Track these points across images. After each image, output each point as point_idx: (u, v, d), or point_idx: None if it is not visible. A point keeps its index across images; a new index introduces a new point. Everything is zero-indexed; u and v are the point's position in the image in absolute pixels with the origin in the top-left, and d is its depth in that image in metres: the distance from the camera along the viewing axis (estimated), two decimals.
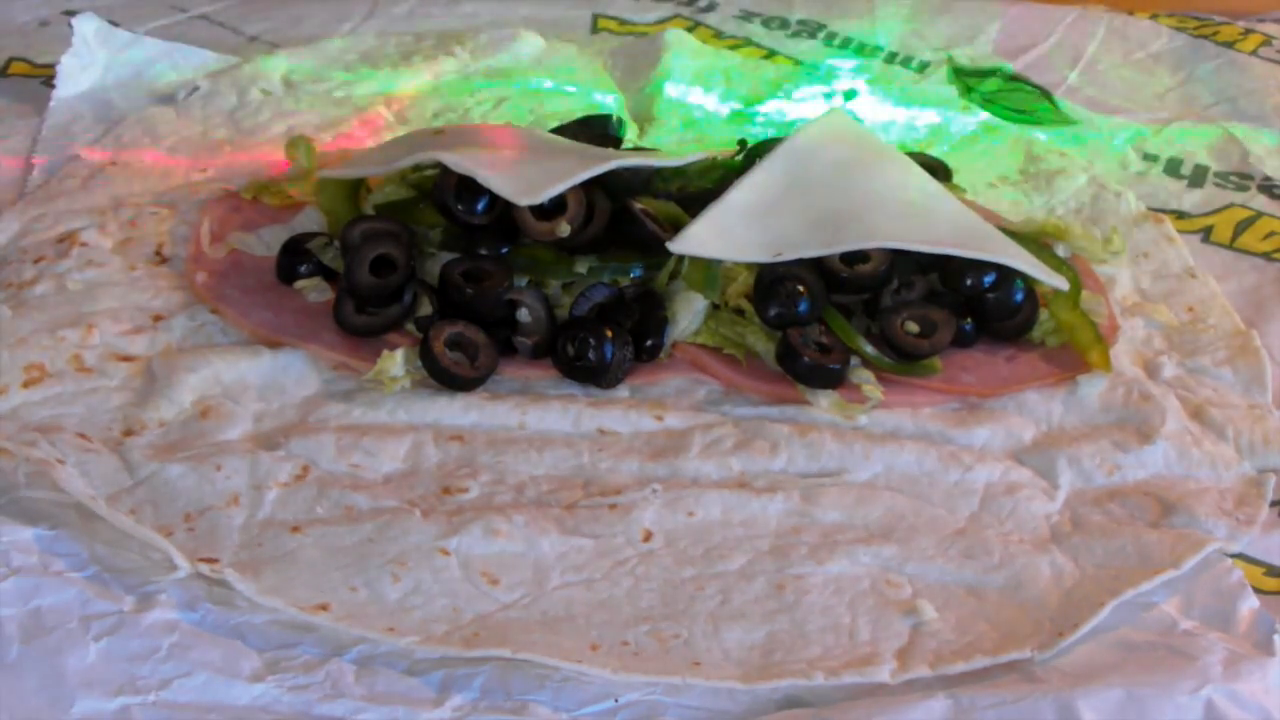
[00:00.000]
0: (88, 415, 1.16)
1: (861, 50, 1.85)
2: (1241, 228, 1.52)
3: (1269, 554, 1.11)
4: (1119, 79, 1.80)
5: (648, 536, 1.09)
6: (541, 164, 1.29)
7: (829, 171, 1.31)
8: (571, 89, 1.70)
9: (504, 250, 1.26)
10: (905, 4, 1.94)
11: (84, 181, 1.45)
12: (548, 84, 1.71)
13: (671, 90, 1.68)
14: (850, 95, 1.72)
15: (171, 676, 0.96)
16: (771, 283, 1.23)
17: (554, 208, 1.26)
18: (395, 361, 1.20)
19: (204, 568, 1.02)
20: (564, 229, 1.25)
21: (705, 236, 1.24)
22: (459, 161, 1.26)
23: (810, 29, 1.89)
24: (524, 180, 1.25)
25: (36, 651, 0.96)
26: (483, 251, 1.26)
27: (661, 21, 1.89)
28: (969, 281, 1.25)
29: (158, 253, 1.35)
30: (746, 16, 1.92)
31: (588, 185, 1.26)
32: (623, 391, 1.23)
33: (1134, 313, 1.34)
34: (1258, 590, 1.07)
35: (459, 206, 1.27)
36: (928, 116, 1.67)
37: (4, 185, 1.48)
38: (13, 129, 1.57)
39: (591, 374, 1.22)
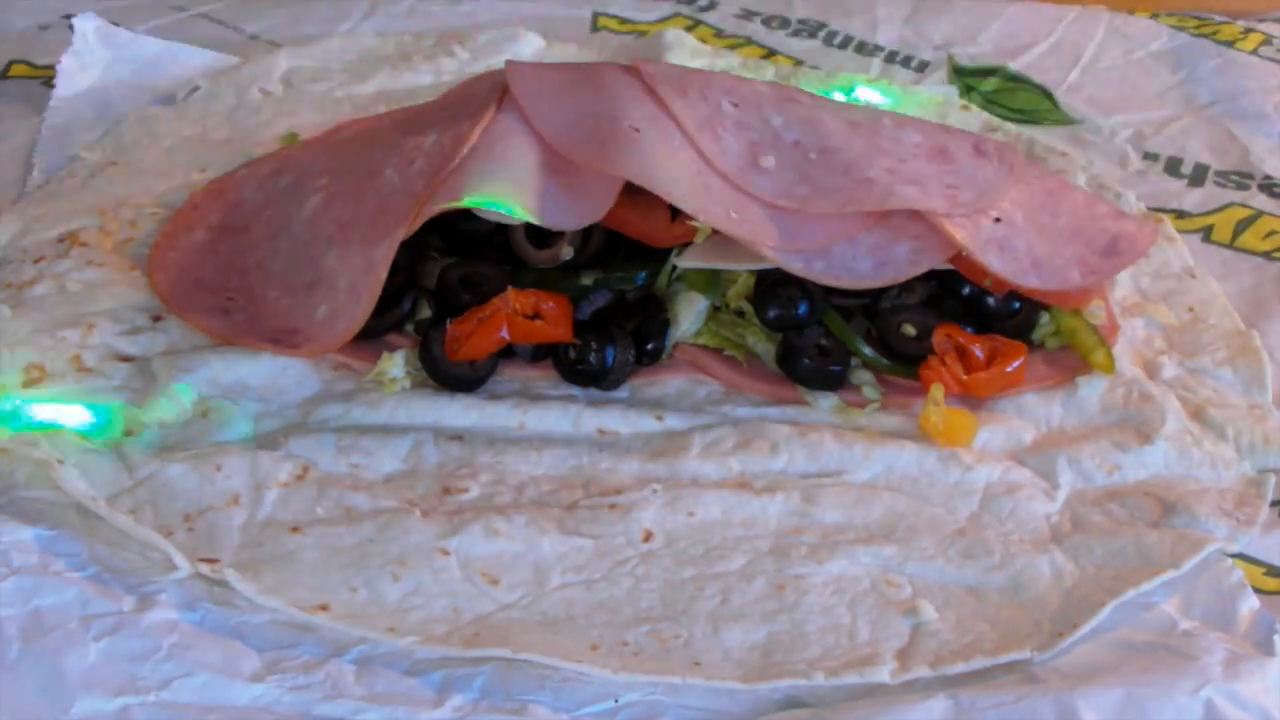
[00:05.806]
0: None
1: (861, 49, 1.85)
2: (1241, 227, 1.51)
3: (1269, 554, 1.11)
4: (1119, 78, 1.80)
5: (648, 537, 1.09)
6: None
7: None
8: None
9: (508, 268, 1.24)
10: (905, 4, 1.94)
11: (84, 181, 1.45)
12: None
13: None
14: (849, 92, 1.72)
15: (171, 676, 0.96)
16: (772, 285, 1.22)
17: (552, 232, 1.23)
18: (395, 362, 1.20)
19: (204, 568, 1.02)
20: (566, 253, 1.24)
21: (710, 248, 1.24)
22: None
23: (810, 28, 1.89)
24: None
25: (36, 651, 0.96)
26: None
27: (662, 20, 1.89)
28: (968, 285, 1.25)
29: None
30: (747, 15, 1.91)
31: None
32: (623, 392, 1.23)
33: (1134, 313, 1.34)
34: (1258, 590, 1.07)
35: (461, 223, 1.25)
36: (927, 116, 1.66)
37: (4, 185, 1.48)
38: (13, 129, 1.56)
39: (593, 378, 1.21)
